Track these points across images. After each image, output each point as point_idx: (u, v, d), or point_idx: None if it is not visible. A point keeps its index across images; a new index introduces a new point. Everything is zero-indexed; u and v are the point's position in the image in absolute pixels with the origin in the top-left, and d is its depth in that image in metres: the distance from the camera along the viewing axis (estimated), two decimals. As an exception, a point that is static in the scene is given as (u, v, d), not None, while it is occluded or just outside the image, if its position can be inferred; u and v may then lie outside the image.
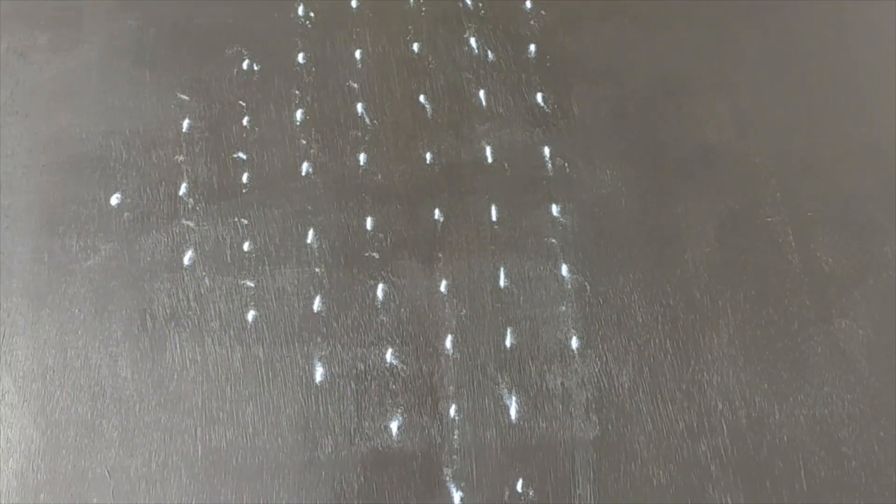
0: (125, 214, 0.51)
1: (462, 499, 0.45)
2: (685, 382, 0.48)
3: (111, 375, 0.46)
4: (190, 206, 0.51)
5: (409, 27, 0.59)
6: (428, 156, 0.54)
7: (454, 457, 0.46)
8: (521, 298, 0.50)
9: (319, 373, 0.47)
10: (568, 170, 0.54)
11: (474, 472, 0.45)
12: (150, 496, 0.44)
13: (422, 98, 0.56)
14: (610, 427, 0.47)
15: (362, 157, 0.54)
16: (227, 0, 0.58)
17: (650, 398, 0.48)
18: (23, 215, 0.51)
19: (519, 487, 0.45)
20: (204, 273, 0.49)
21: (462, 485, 0.45)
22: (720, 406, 0.48)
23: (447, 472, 0.45)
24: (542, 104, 0.57)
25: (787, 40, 0.59)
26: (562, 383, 0.48)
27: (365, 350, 0.48)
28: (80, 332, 0.47)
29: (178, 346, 0.47)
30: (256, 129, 0.54)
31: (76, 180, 0.52)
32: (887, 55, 0.59)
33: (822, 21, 0.59)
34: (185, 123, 0.54)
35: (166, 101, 0.55)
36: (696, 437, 0.47)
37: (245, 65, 0.56)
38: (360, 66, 0.57)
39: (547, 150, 0.55)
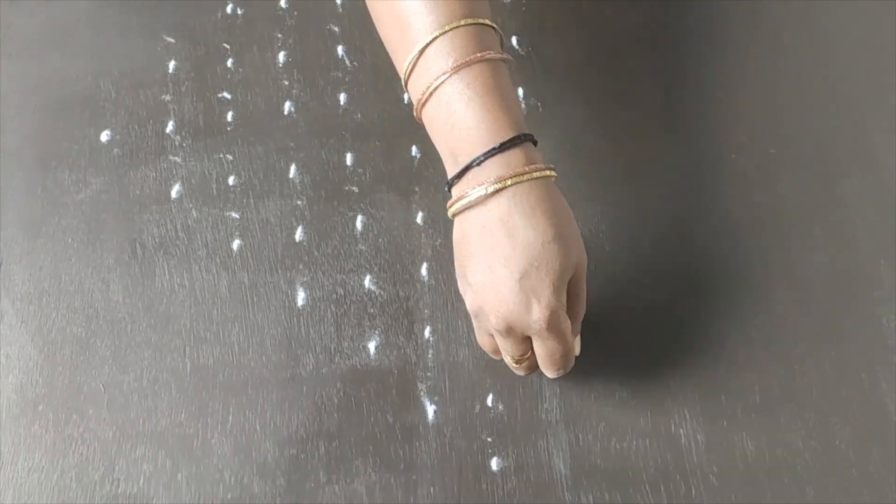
0: (115, 150, 0.53)
1: (435, 411, 0.47)
2: (647, 307, 0.51)
3: (104, 299, 0.49)
4: (177, 142, 0.54)
5: (388, -27, 0.60)
6: (406, 96, 0.56)
7: (428, 373, 0.48)
8: (494, 229, 0.52)
9: (301, 297, 0.50)
10: (540, 109, 0.57)
11: (447, 387, 0.48)
12: (142, 408, 0.46)
13: (400, 41, 0.58)
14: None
15: (342, 97, 0.56)
16: (211, -53, 0.60)
17: (614, 320, 0.50)
18: (16, 152, 0.53)
19: (489, 401, 0.48)
20: (191, 205, 0.52)
21: (436, 398, 0.48)
22: (681, 328, 0.50)
23: (422, 387, 0.48)
24: (517, 47, 0.59)
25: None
26: (531, 307, 0.50)
27: (345, 276, 0.51)
28: (73, 260, 0.50)
29: (166, 272, 0.50)
30: (240, 70, 0.56)
31: (67, 119, 0.54)
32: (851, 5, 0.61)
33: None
34: (172, 65, 0.56)
35: (153, 43, 0.57)
36: (656, 355, 0.49)
37: (229, 9, 0.58)
38: (340, 10, 0.59)
39: (521, 90, 0.57)
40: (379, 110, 0.56)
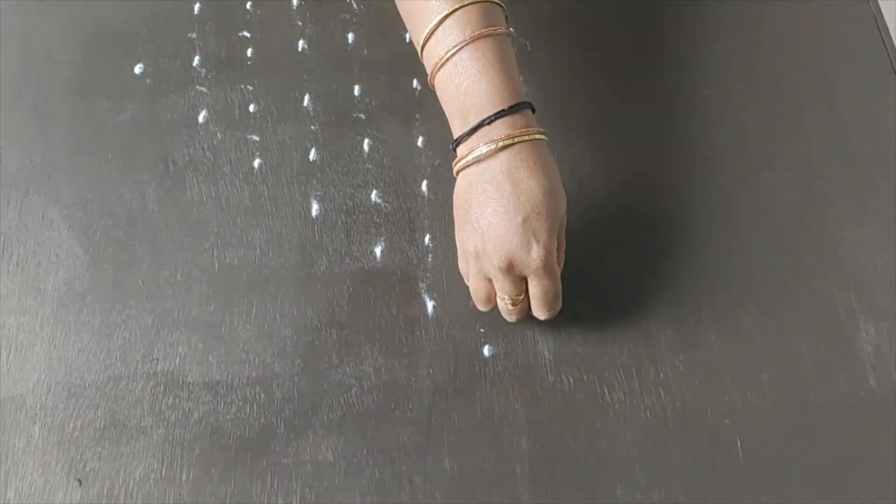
0: (147, 81, 0.59)
1: (434, 306, 0.54)
2: (625, 223, 0.57)
3: (141, 208, 0.55)
4: (202, 74, 0.60)
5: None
6: (407, 35, 0.62)
7: (428, 274, 0.55)
8: (486, 151, 0.59)
9: (315, 208, 0.56)
10: (529, 48, 0.63)
11: (445, 286, 0.54)
12: (177, 300, 0.53)
13: (402, -12, 0.64)
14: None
15: (350, 36, 0.62)
16: None
17: (593, 233, 0.56)
18: (61, 82, 0.59)
19: (482, 298, 0.54)
20: (216, 128, 0.58)
21: (434, 295, 0.54)
22: (656, 241, 0.57)
23: (422, 285, 0.54)
24: (509, -6, 0.65)
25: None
26: (519, 219, 0.57)
27: (354, 190, 0.57)
28: (113, 175, 0.56)
29: (196, 185, 0.56)
30: (258, 12, 0.62)
31: (104, 54, 0.60)
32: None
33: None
34: (196, 7, 0.62)
35: (180, -12, 0.63)
36: (633, 262, 0.56)
37: (248, -42, 0.64)
38: (348, -40, 0.65)
39: (513, 29, 0.63)
40: (383, 48, 0.62)
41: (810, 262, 0.57)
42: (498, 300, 0.51)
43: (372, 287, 0.54)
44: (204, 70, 0.60)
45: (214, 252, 0.54)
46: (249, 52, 0.61)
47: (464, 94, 0.48)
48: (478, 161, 0.48)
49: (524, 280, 0.49)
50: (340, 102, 0.60)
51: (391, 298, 0.54)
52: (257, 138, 0.58)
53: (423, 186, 0.57)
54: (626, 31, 0.64)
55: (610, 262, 0.56)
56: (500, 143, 0.47)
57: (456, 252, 0.54)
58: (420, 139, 0.59)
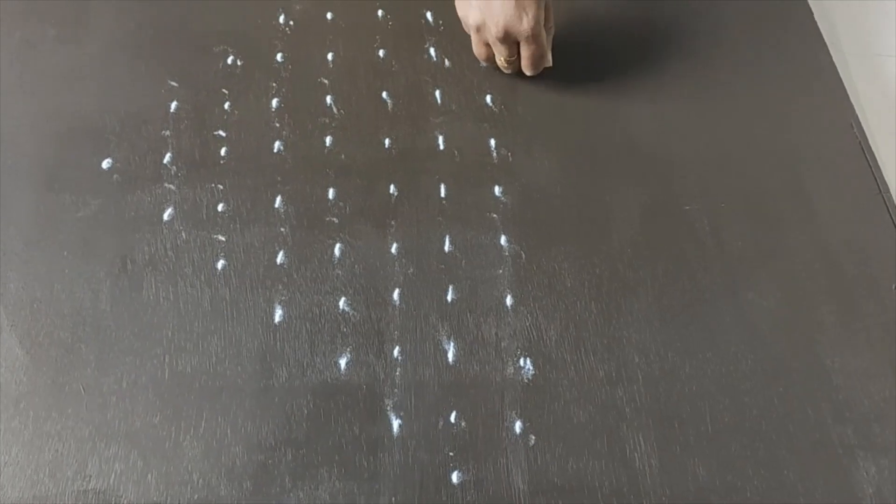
0: (114, 176, 0.57)
1: (400, 425, 0.50)
2: (606, 338, 0.54)
3: (92, 307, 0.52)
4: (173, 172, 0.58)
5: (377, 37, 0.67)
6: (387, 141, 0.61)
7: (395, 390, 0.51)
8: (464, 262, 0.56)
9: (278, 314, 0.53)
10: (511, 158, 0.62)
11: (413, 404, 0.50)
12: (119, 409, 0.48)
13: (384, 94, 0.64)
14: (537, 372, 0.52)
15: (328, 140, 0.61)
16: (219, 7, 0.66)
17: (574, 349, 0.53)
18: (24, 173, 0.57)
19: (452, 418, 0.50)
20: (181, 227, 0.56)
21: (401, 414, 0.50)
22: (637, 359, 0.53)
23: (388, 402, 0.50)
24: (491, 104, 0.64)
25: (706, 52, 0.68)
26: (496, 333, 0.53)
27: (321, 297, 0.54)
28: (66, 271, 0.53)
29: (153, 286, 0.53)
30: (236, 112, 0.61)
31: (73, 148, 0.59)
32: (797, 62, 0.68)
33: (738, 34, 0.69)
34: (173, 105, 0.61)
35: (157, 86, 0.62)
36: (613, 384, 0.52)
37: (230, 60, 0.64)
38: (331, 66, 0.65)
39: (493, 141, 0.62)
40: (361, 153, 0.61)
41: (800, 388, 0.53)
42: (496, 59, 0.64)
43: (334, 402, 0.50)
44: (175, 167, 0.58)
45: (166, 358, 0.50)
46: (223, 151, 0.59)
47: None
48: None
49: (517, 45, 0.62)
50: (313, 205, 0.58)
51: (354, 416, 0.50)
52: (223, 238, 0.55)
53: (395, 295, 0.54)
54: (608, 149, 0.63)
55: (588, 382, 0.52)
56: None
57: (425, 367, 0.51)
58: (394, 246, 0.56)
